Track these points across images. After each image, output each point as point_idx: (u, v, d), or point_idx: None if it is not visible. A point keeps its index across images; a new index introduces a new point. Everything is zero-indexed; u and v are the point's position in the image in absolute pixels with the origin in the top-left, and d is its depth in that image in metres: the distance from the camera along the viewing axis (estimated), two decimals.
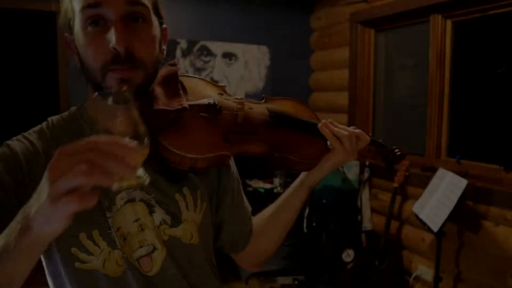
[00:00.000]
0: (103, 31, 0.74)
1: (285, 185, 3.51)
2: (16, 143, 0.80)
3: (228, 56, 3.83)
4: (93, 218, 0.80)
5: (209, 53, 3.76)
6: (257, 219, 1.06)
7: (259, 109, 0.95)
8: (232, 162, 1.01)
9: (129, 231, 0.82)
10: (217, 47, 3.79)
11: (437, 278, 2.45)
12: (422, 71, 2.97)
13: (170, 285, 0.85)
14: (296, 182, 1.02)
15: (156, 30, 0.81)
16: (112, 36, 0.72)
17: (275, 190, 3.47)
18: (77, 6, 0.75)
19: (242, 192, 1.05)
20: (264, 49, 3.94)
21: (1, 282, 0.59)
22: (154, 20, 0.80)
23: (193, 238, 0.88)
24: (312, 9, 4.01)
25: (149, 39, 0.78)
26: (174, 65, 0.91)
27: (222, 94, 0.94)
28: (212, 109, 0.86)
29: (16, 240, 0.56)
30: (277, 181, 3.51)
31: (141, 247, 0.83)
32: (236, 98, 0.93)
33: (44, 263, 0.84)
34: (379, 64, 3.45)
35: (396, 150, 1.08)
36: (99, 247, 0.80)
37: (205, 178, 0.93)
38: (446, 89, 2.79)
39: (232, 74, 3.85)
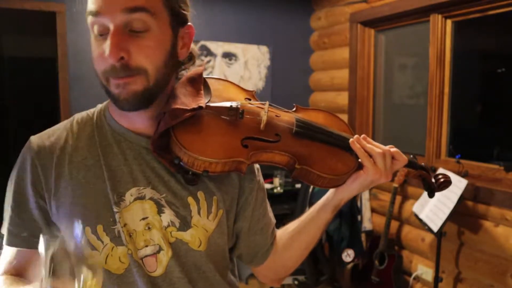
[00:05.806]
0: (104, 41, 0.76)
1: (285, 185, 3.52)
2: (37, 140, 0.86)
3: (228, 56, 3.83)
4: (99, 213, 0.81)
5: (209, 53, 3.76)
6: (280, 234, 1.01)
7: (286, 117, 0.91)
8: (258, 172, 0.98)
9: (135, 229, 0.82)
10: (217, 47, 3.78)
11: (437, 278, 2.45)
12: (422, 71, 2.96)
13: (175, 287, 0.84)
14: (322, 200, 0.96)
15: (162, 35, 0.79)
16: (107, 47, 0.74)
17: (275, 190, 3.47)
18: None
19: (267, 203, 1.00)
20: (264, 49, 3.94)
21: None
22: (161, 25, 0.78)
23: (201, 245, 0.85)
24: (312, 9, 4.01)
25: (149, 46, 0.77)
26: (200, 66, 0.92)
27: (250, 99, 0.92)
28: (234, 112, 0.84)
29: None
30: (277, 181, 3.51)
31: (147, 246, 0.82)
32: (263, 104, 0.89)
33: None
34: (379, 64, 3.45)
35: (440, 176, 0.96)
36: (102, 242, 0.80)
37: (224, 185, 0.90)
38: (446, 89, 2.79)
39: (232, 74, 3.84)
